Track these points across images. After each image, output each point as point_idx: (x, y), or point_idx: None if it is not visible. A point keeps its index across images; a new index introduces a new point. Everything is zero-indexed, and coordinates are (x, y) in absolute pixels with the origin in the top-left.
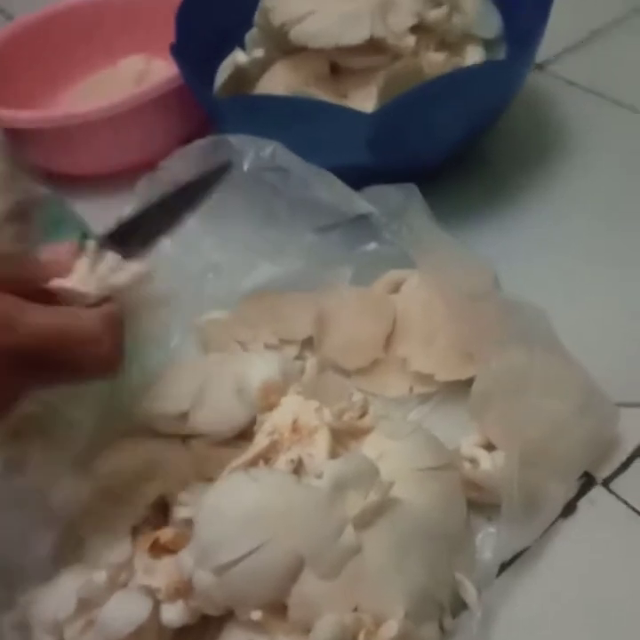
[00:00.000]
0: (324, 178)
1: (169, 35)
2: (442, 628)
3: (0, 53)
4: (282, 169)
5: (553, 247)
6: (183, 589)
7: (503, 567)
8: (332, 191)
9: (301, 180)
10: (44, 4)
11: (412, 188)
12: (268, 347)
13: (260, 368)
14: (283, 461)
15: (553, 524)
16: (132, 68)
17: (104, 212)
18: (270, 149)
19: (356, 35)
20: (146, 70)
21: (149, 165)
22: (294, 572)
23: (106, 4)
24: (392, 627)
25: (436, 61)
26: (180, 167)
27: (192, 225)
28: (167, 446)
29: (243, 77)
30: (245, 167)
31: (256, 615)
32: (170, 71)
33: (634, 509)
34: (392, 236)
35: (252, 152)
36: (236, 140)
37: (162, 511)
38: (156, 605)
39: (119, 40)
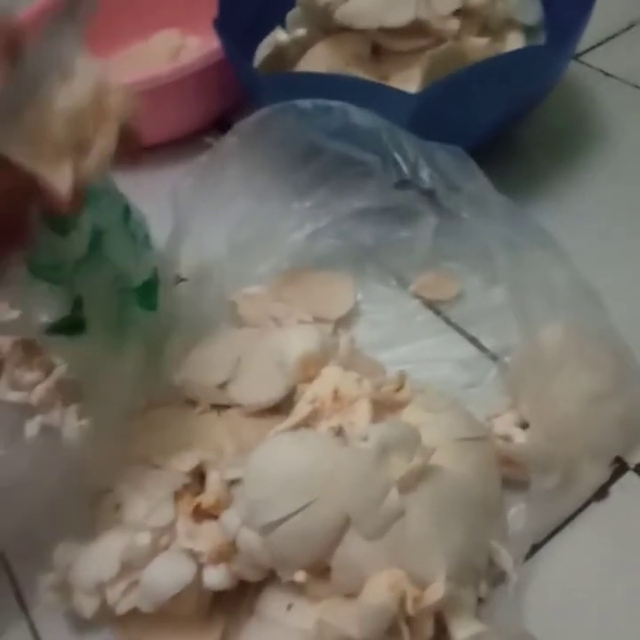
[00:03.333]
0: (397, 134)
1: (201, 10)
2: (478, 594)
3: (32, 28)
4: (353, 128)
5: (584, 238)
6: (225, 553)
7: (535, 548)
8: (400, 151)
9: (372, 137)
10: None
11: (463, 154)
12: (301, 323)
13: (299, 341)
14: (324, 428)
15: (585, 507)
16: (166, 42)
17: (141, 185)
18: (340, 109)
19: (400, 16)
20: (181, 45)
21: (186, 139)
22: (339, 533)
23: None
24: (438, 589)
25: (477, 46)
26: (249, 133)
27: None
28: (204, 416)
29: (282, 56)
30: (310, 133)
31: (300, 576)
32: (204, 47)
33: None
34: (453, 208)
35: (321, 114)
36: (303, 103)
37: (200, 479)
38: (198, 569)
39: (152, 15)
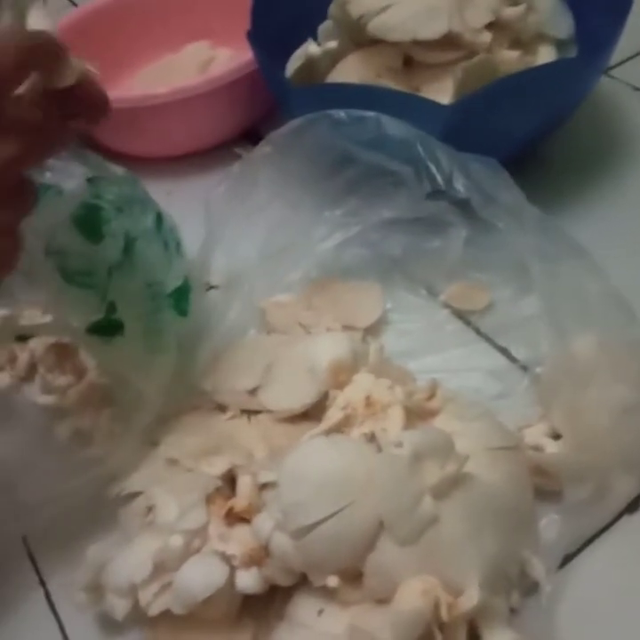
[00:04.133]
0: (431, 144)
1: (231, 23)
2: (509, 603)
3: (64, 39)
4: (386, 138)
5: (616, 251)
6: (257, 557)
7: (567, 558)
8: (434, 161)
9: (406, 147)
10: None
11: (497, 166)
12: (331, 331)
13: (330, 347)
14: (356, 435)
15: (618, 519)
16: (196, 54)
17: (173, 194)
18: (373, 120)
19: (433, 29)
20: (211, 57)
21: (216, 150)
22: (373, 538)
23: None
24: (472, 596)
25: (509, 59)
26: (282, 143)
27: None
28: (234, 421)
29: (313, 68)
30: (343, 143)
31: (333, 581)
32: (235, 58)
33: None
34: (488, 218)
35: (355, 124)
36: (337, 114)
37: (231, 483)
38: (230, 572)
39: (182, 27)
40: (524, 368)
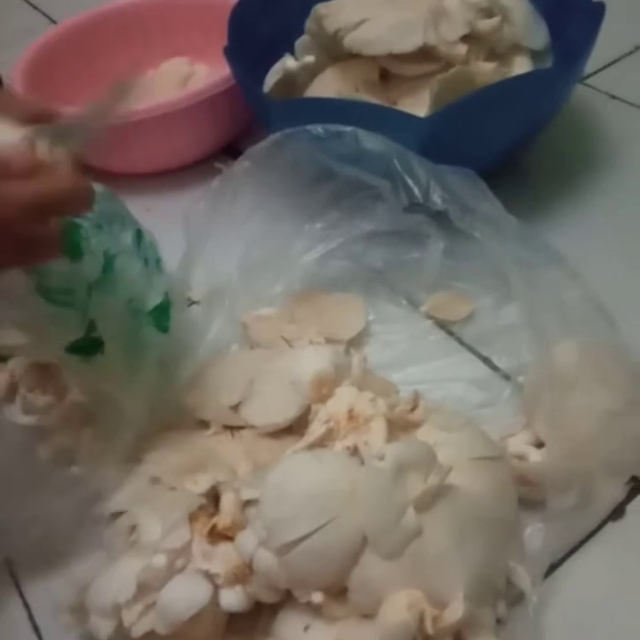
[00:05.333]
0: (408, 158)
1: (209, 39)
2: (496, 613)
3: (45, 57)
4: (364, 152)
5: (596, 258)
6: (241, 574)
7: (552, 567)
8: (411, 174)
9: (383, 161)
10: (86, 8)
11: (474, 176)
12: (314, 344)
13: (312, 361)
14: (339, 448)
15: (602, 526)
16: (175, 70)
17: (153, 210)
18: (351, 134)
19: (409, 42)
20: (190, 73)
21: (197, 165)
22: (357, 553)
23: (147, 8)
24: (457, 609)
25: (485, 70)
26: (262, 158)
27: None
28: (217, 437)
29: (291, 83)
30: (321, 157)
31: (317, 597)
32: (213, 74)
33: None
34: (466, 229)
35: (332, 139)
36: (315, 129)
37: (214, 500)
38: (214, 591)
39: (160, 43)
40: (507, 377)
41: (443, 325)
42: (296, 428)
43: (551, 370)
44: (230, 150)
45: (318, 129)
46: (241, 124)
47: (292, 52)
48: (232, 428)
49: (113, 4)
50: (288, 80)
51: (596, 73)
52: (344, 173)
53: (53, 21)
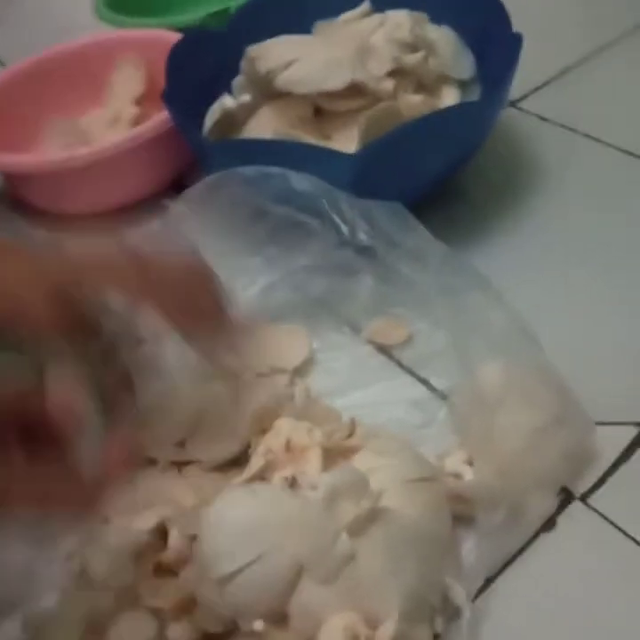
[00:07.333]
0: (335, 196)
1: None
2: (433, 630)
3: None
4: (293, 192)
5: (527, 280)
6: (187, 607)
7: (488, 581)
8: (338, 212)
9: (311, 200)
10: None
11: (401, 209)
12: (260, 376)
13: (253, 394)
14: (278, 479)
15: (534, 538)
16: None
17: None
18: (280, 176)
19: (337, 80)
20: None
21: (144, 203)
22: (294, 580)
23: (90, 51)
24: (388, 629)
25: (413, 103)
26: (198, 199)
27: None
28: (163, 473)
29: (230, 121)
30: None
31: (258, 625)
32: (159, 115)
33: (612, 524)
34: (392, 264)
35: (263, 180)
36: (247, 171)
37: (162, 537)
38: (162, 626)
39: (107, 83)
40: (444, 397)
41: (383, 350)
42: (243, 461)
43: (477, 390)
44: (179, 186)
45: (250, 171)
46: (187, 160)
47: (232, 92)
48: (179, 464)
49: (57, 48)
50: (228, 119)
51: (526, 96)
52: (277, 212)
53: (2, 63)
